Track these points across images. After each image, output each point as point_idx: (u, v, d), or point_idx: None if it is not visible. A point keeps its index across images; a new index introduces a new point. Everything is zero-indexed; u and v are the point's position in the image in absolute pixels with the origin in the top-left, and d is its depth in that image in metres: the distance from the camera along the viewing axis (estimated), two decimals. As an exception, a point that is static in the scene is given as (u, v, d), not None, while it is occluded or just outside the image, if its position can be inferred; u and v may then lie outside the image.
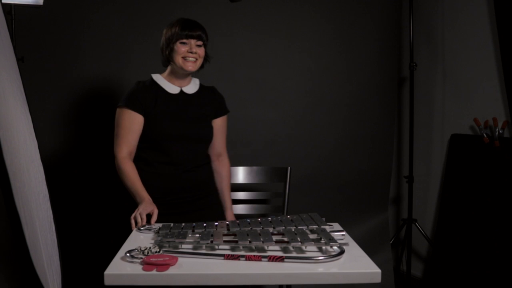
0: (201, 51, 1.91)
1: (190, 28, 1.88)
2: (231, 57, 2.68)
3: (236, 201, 2.35)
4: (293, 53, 2.76)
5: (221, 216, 2.07)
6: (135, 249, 1.37)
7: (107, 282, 1.25)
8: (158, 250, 1.37)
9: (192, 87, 2.01)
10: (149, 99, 1.90)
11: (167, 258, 1.30)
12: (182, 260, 1.33)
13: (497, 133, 2.61)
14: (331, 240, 1.42)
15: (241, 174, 2.37)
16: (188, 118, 1.94)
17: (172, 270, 1.27)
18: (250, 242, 1.42)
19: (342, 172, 2.83)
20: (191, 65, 1.89)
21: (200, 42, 1.90)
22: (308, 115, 2.78)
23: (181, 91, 1.97)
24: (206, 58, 1.98)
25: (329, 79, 2.81)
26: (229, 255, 1.36)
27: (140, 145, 1.93)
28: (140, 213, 1.68)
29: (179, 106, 1.95)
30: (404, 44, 3.17)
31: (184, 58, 1.88)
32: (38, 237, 1.48)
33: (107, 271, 1.26)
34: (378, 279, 1.28)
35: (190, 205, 1.95)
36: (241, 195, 2.36)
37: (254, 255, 1.35)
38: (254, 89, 2.71)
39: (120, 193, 2.68)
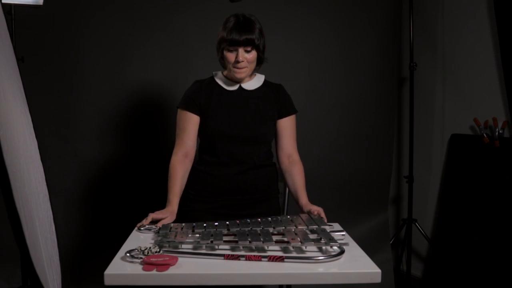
0: (250, 56, 1.78)
1: (236, 33, 1.74)
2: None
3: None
4: (293, 53, 2.76)
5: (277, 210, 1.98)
6: (135, 249, 1.37)
7: (107, 282, 1.25)
8: (158, 250, 1.37)
9: (253, 83, 1.90)
10: (204, 98, 1.84)
11: (167, 258, 1.30)
12: (182, 260, 1.33)
13: (497, 133, 2.61)
14: (331, 240, 1.42)
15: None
16: (243, 117, 1.84)
17: (172, 270, 1.27)
18: (250, 242, 1.42)
19: (342, 172, 2.83)
20: (241, 73, 1.80)
21: (248, 48, 1.77)
22: (307, 115, 2.77)
23: (240, 87, 1.88)
24: (260, 60, 1.85)
25: (329, 79, 2.81)
26: (229, 255, 1.36)
27: (199, 146, 1.89)
28: (149, 216, 1.65)
29: (234, 103, 1.85)
30: (404, 44, 3.17)
31: (233, 66, 1.79)
32: (38, 237, 1.48)
33: (107, 271, 1.26)
34: (378, 279, 1.28)
35: (245, 208, 1.86)
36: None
37: (254, 255, 1.35)
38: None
39: (120, 193, 2.68)
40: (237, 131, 1.82)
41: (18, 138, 1.47)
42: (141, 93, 2.63)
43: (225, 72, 1.91)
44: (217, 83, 1.89)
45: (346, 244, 1.43)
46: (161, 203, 1.75)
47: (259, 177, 1.89)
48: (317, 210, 1.73)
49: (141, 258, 1.32)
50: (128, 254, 1.34)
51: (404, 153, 3.27)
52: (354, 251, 1.45)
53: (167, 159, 1.86)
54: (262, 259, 1.34)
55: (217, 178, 1.85)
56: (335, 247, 1.41)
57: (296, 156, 1.93)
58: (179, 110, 1.87)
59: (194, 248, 1.44)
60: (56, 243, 1.65)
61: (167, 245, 1.44)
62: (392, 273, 2.86)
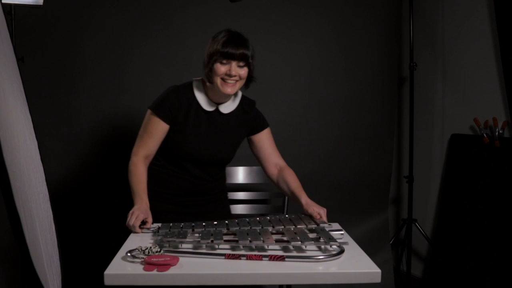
0: (243, 72, 1.74)
1: (232, 46, 1.70)
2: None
3: (236, 201, 2.35)
4: (293, 53, 2.76)
5: (230, 215, 2.10)
6: (136, 249, 1.37)
7: (107, 282, 1.25)
8: (159, 249, 1.37)
9: (229, 105, 1.86)
10: (181, 110, 1.81)
11: (168, 258, 1.30)
12: (183, 260, 1.33)
13: (497, 133, 2.61)
14: (330, 239, 1.43)
15: (241, 174, 2.37)
16: (216, 143, 1.86)
17: (172, 270, 1.27)
18: (250, 241, 1.42)
19: (342, 172, 2.83)
20: (230, 88, 1.74)
21: (242, 63, 1.72)
22: (308, 115, 2.77)
23: (217, 109, 1.85)
24: (250, 78, 1.80)
25: (329, 79, 2.81)
26: (230, 254, 1.36)
27: (160, 151, 1.88)
28: (133, 224, 1.60)
29: (208, 127, 1.85)
30: (404, 44, 3.17)
31: (223, 79, 1.73)
32: (38, 237, 1.48)
33: (107, 271, 1.26)
34: (378, 279, 1.29)
35: (201, 207, 1.93)
36: (241, 195, 2.36)
37: (255, 255, 1.36)
38: (254, 89, 2.69)
39: (120, 193, 2.68)
40: (208, 156, 1.86)
41: (18, 138, 1.47)
42: (141, 92, 2.63)
43: (207, 89, 1.83)
44: (196, 100, 1.83)
45: (345, 243, 1.44)
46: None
47: (215, 183, 1.96)
48: (318, 212, 1.70)
49: (142, 258, 1.32)
50: (129, 254, 1.34)
51: (404, 153, 3.27)
52: (354, 251, 1.46)
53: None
54: (263, 258, 1.35)
55: (178, 180, 1.88)
56: (334, 246, 1.42)
57: (283, 163, 1.95)
58: (151, 113, 1.81)
59: (195, 248, 1.44)
60: (56, 243, 1.65)
61: (167, 245, 1.44)
62: (392, 273, 2.86)
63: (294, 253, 1.41)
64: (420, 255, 3.14)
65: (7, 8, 2.22)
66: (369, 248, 1.94)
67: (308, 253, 1.40)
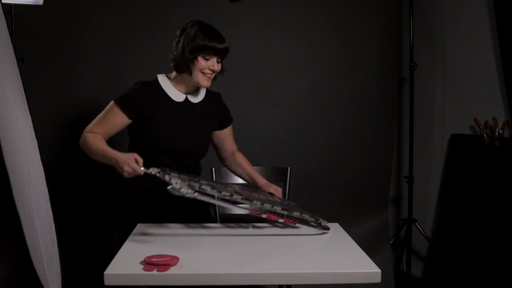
0: (219, 65, 1.80)
1: (217, 41, 1.74)
2: (231, 57, 2.65)
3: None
4: (293, 53, 2.76)
5: (207, 217, 2.04)
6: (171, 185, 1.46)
7: (107, 282, 1.25)
8: (192, 191, 1.45)
9: (198, 96, 1.90)
10: (148, 104, 1.80)
11: (168, 258, 1.30)
12: (183, 260, 1.33)
13: (497, 133, 2.61)
14: (321, 218, 1.68)
15: (241, 174, 2.37)
16: (188, 133, 1.86)
17: (173, 270, 1.27)
18: (262, 203, 1.57)
19: (342, 172, 2.83)
20: (207, 81, 1.79)
21: (220, 59, 1.79)
22: (308, 115, 2.78)
23: (186, 99, 1.86)
24: (221, 70, 1.85)
25: (329, 79, 2.81)
26: (254, 210, 1.58)
27: (138, 151, 1.83)
28: (130, 166, 1.61)
29: (181, 117, 1.85)
30: (404, 44, 3.17)
31: (203, 73, 1.77)
32: (38, 237, 1.48)
33: (107, 271, 1.26)
34: (378, 279, 1.29)
35: (177, 207, 1.87)
36: (241, 195, 2.36)
37: (274, 215, 1.60)
38: (254, 89, 2.71)
39: (118, 192, 2.68)
40: (185, 147, 1.85)
41: (18, 138, 1.47)
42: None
43: (172, 76, 1.85)
44: (164, 92, 1.84)
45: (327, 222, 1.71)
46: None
47: None
48: (276, 189, 1.85)
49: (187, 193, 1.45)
50: (143, 168, 1.57)
51: (404, 153, 3.28)
52: (354, 251, 1.46)
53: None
54: (280, 219, 1.62)
55: (152, 179, 1.83)
56: (324, 224, 1.67)
57: (237, 150, 2.06)
58: (114, 105, 1.80)
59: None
60: (56, 243, 1.65)
61: (197, 185, 1.50)
62: (392, 273, 2.86)
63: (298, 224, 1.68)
64: (420, 255, 3.14)
65: (7, 8, 2.22)
66: (369, 248, 1.94)
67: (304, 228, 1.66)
